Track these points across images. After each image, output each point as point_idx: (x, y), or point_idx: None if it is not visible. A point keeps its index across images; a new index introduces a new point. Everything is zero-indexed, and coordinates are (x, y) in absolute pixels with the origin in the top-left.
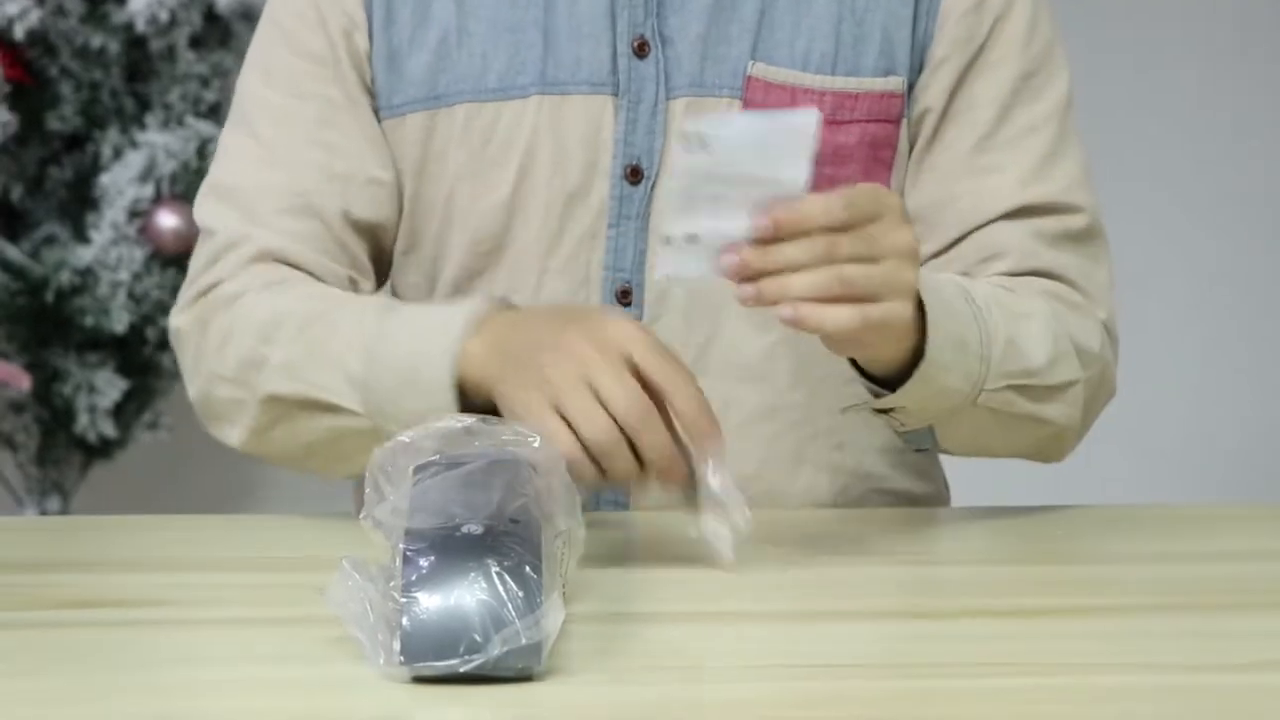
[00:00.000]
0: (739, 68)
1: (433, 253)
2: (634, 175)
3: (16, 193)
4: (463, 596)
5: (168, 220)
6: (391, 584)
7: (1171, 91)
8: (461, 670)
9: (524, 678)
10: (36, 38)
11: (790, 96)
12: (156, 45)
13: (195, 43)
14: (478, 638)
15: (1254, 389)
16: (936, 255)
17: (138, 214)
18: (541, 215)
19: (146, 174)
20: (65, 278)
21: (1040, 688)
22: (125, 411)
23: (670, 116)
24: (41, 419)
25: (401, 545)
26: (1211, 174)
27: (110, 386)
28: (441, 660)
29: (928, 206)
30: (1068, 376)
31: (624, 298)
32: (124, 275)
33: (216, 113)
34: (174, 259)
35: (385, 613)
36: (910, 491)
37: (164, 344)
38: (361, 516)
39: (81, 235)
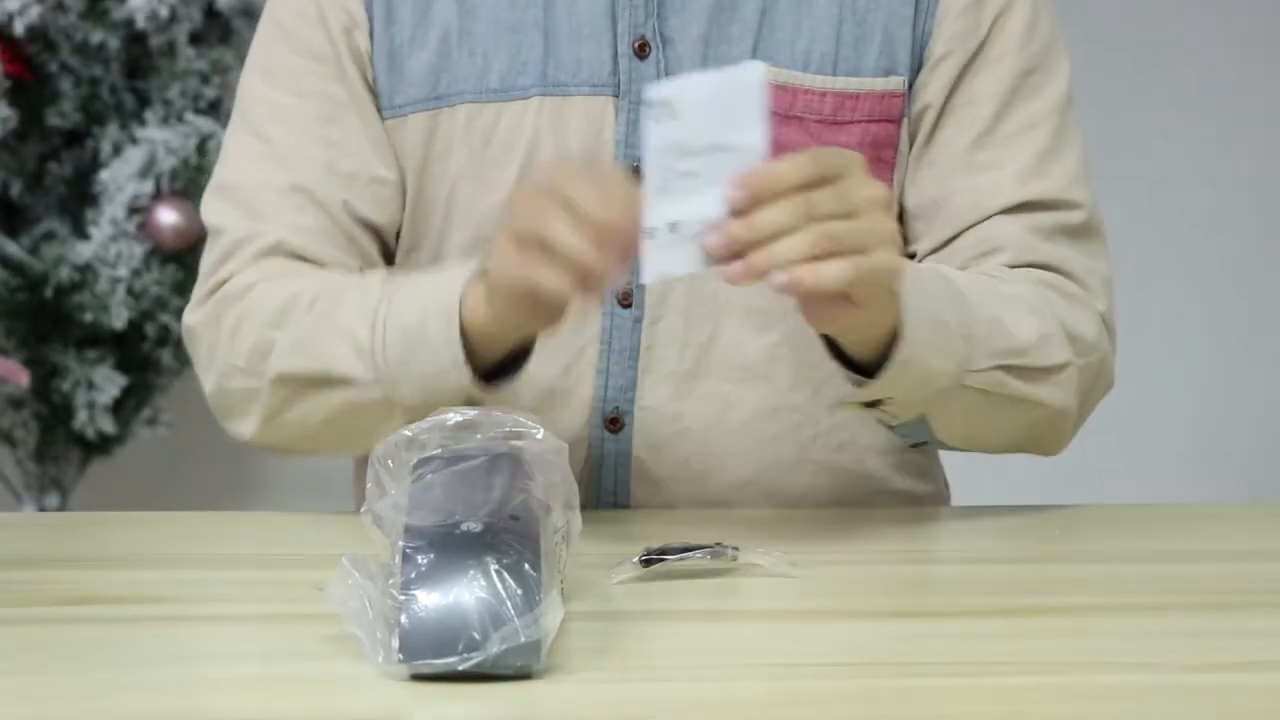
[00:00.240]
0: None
1: (433, 252)
2: (635, 176)
3: (16, 188)
4: (461, 594)
5: (167, 216)
6: (390, 581)
7: (1172, 92)
8: (460, 668)
9: (523, 676)
10: (36, 33)
11: (791, 97)
12: (156, 41)
13: (195, 39)
14: (476, 635)
15: (1258, 387)
16: (934, 251)
17: (137, 210)
18: None
19: (146, 170)
20: (64, 274)
21: (1040, 687)
22: (124, 408)
23: None
24: (40, 415)
25: (401, 542)
26: (1215, 170)
27: (109, 383)
28: (440, 658)
29: (926, 203)
30: (1059, 358)
31: (625, 300)
32: (123, 271)
33: (216, 109)
34: (173, 255)
35: (384, 610)
36: (911, 492)
37: (163, 340)
38: (362, 511)
39: (81, 231)
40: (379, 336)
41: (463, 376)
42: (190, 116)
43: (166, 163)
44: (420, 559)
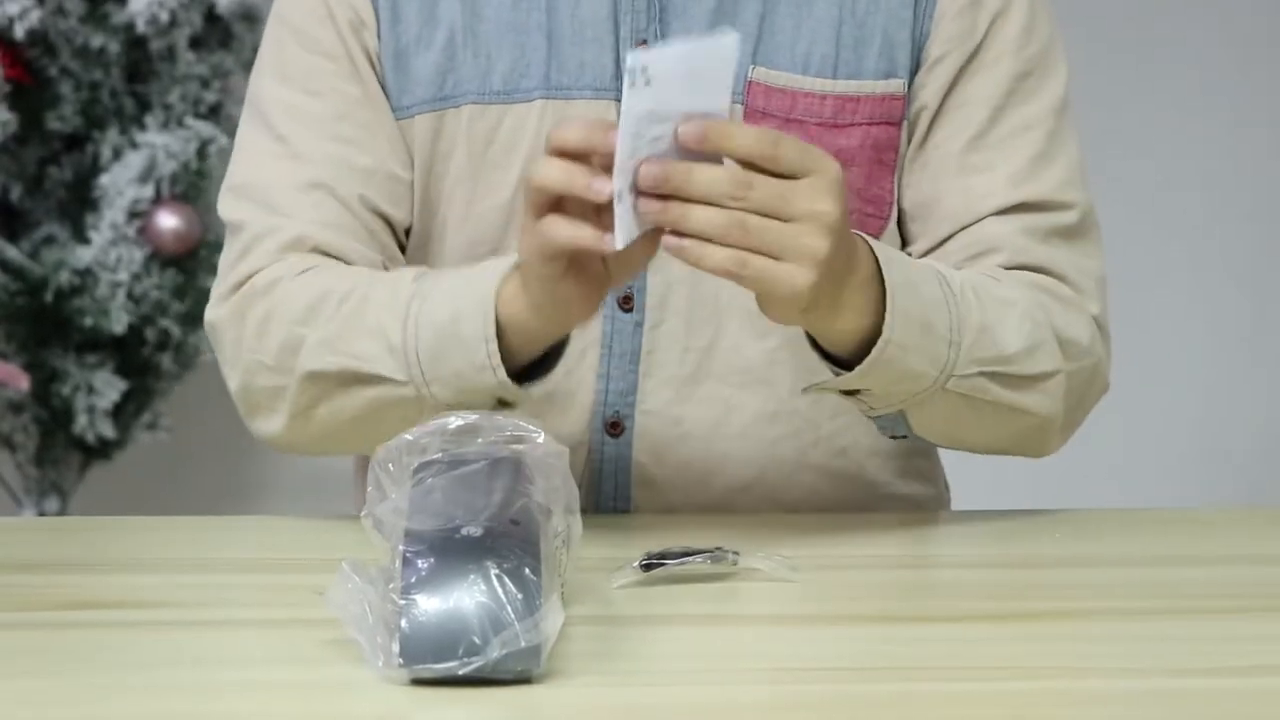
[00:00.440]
0: (740, 72)
1: (435, 253)
2: None
3: (16, 193)
4: (462, 599)
5: (167, 221)
6: (391, 586)
7: (1173, 92)
8: (460, 673)
9: (523, 680)
10: (37, 37)
11: (791, 100)
12: (157, 46)
13: (195, 43)
14: (477, 640)
15: (1260, 387)
16: (929, 251)
17: (137, 214)
18: None
19: (146, 174)
20: (64, 278)
21: (1040, 691)
22: (124, 412)
23: None
24: (40, 419)
25: (401, 547)
26: (1216, 170)
27: (109, 387)
28: (440, 663)
29: (920, 203)
30: (1046, 366)
31: (625, 303)
32: (123, 276)
33: (216, 114)
34: (174, 260)
35: (384, 615)
36: (911, 496)
37: (163, 345)
38: (362, 515)
39: (81, 236)
40: (411, 334)
41: (497, 375)
42: (190, 121)
43: (166, 167)
44: (420, 563)
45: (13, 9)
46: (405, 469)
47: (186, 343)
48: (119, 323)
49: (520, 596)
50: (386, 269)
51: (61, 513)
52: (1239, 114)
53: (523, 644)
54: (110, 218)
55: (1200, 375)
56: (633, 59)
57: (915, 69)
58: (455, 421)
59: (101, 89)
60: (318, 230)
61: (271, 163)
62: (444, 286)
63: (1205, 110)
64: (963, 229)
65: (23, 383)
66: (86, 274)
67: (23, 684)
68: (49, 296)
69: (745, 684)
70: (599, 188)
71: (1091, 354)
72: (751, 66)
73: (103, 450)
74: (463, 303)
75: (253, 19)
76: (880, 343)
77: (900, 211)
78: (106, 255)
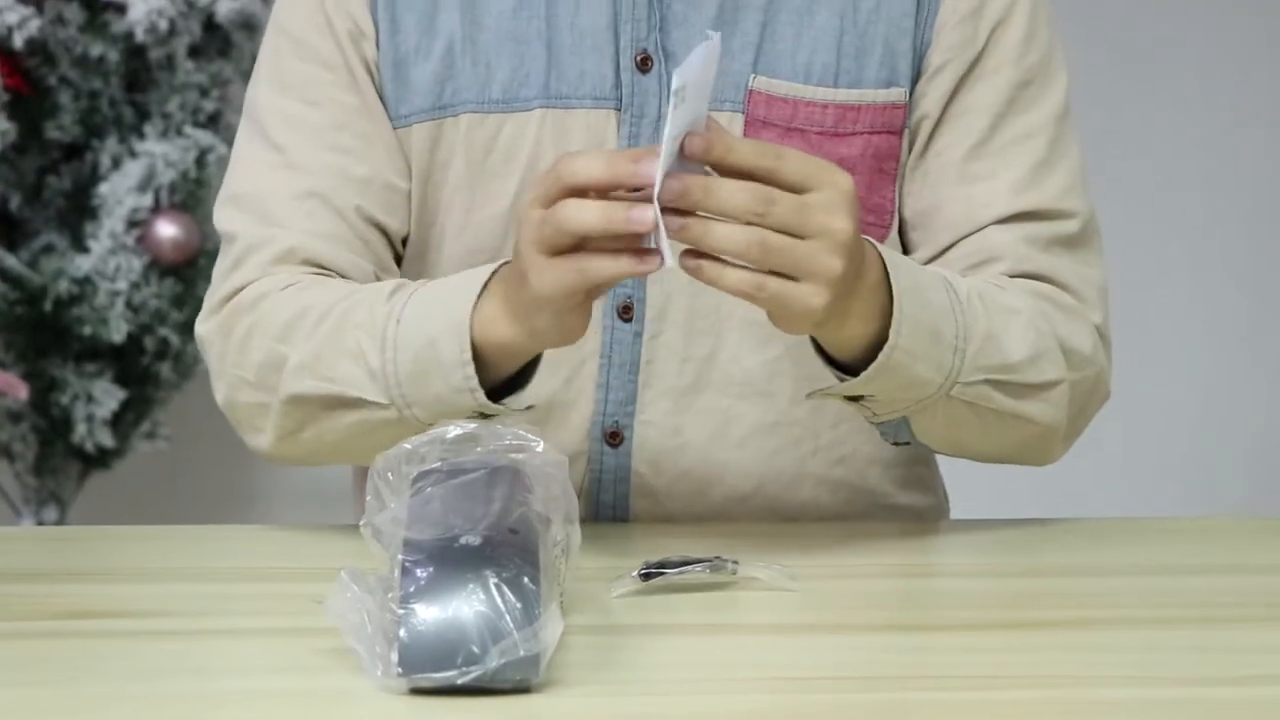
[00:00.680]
0: (741, 81)
1: (432, 262)
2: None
3: (15, 202)
4: (461, 608)
5: (166, 230)
6: (390, 595)
7: (1172, 92)
8: (459, 682)
9: (522, 689)
10: (36, 46)
11: (792, 109)
12: (155, 55)
13: (194, 52)
14: (475, 649)
15: (1260, 389)
16: (929, 261)
17: (136, 223)
18: None
19: (145, 183)
20: (63, 287)
21: (1039, 701)
22: (123, 421)
23: None
24: (39, 428)
25: (400, 556)
26: (1216, 170)
27: (108, 396)
28: (439, 672)
29: (921, 212)
30: (1051, 375)
31: (625, 313)
32: (122, 285)
33: (215, 122)
34: (172, 269)
35: (383, 624)
36: (911, 505)
37: (162, 354)
38: (361, 524)
39: (80, 244)
40: (389, 359)
41: (475, 397)
42: (189, 130)
43: (165, 176)
44: (419, 572)
45: (12, 18)
46: (404, 478)
47: (185, 352)
48: (118, 332)
49: (519, 606)
50: (379, 279)
51: (60, 522)
52: (1239, 114)
53: (521, 653)
54: (109, 227)
55: (1200, 376)
56: (678, 80)
57: (916, 78)
58: (454, 430)
59: (100, 98)
60: (310, 242)
61: (268, 172)
62: (418, 309)
63: (1205, 110)
64: (964, 238)
65: (21, 392)
66: (85, 283)
67: (23, 693)
68: (48, 305)
69: (744, 693)
70: (639, 218)
71: (1094, 363)
72: (752, 75)
73: (101, 459)
74: (438, 326)
75: (252, 28)
76: (887, 348)
77: (901, 220)
78: (105, 264)
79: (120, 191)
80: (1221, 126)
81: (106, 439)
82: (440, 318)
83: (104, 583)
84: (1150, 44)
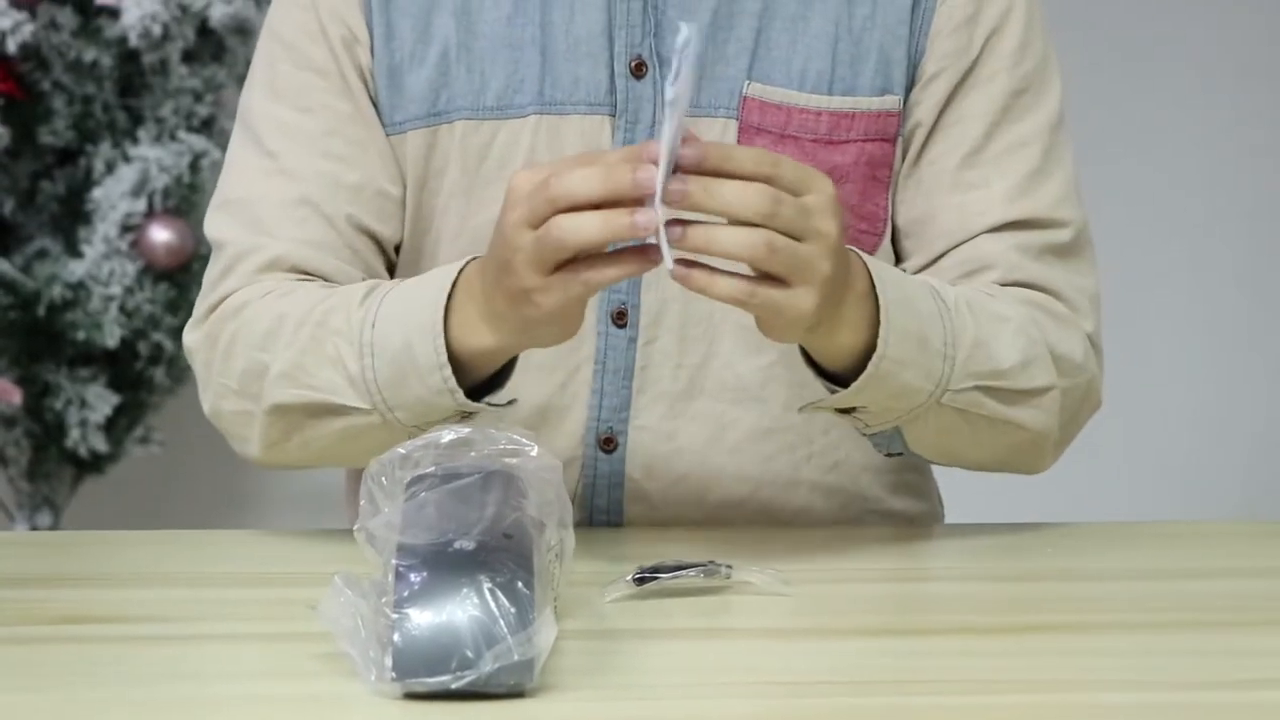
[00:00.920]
0: (735, 88)
1: (427, 268)
2: None
3: (8, 206)
4: (455, 612)
5: (160, 235)
6: (383, 600)
7: (1172, 92)
8: (453, 687)
9: (516, 694)
10: (29, 51)
11: (786, 116)
12: (149, 59)
13: (188, 57)
14: (470, 654)
15: (1260, 391)
16: (922, 268)
17: (130, 228)
18: None
19: (139, 188)
20: (57, 292)
21: (1035, 705)
22: (117, 426)
23: None
24: (33, 433)
25: (394, 561)
26: (1216, 170)
27: (102, 401)
28: (433, 676)
29: (914, 220)
30: (1041, 382)
31: (619, 319)
32: (116, 289)
33: (209, 127)
34: (166, 274)
35: (377, 628)
36: (905, 511)
37: (156, 359)
38: (355, 528)
39: (73, 249)
40: (368, 364)
41: (455, 398)
42: (183, 134)
43: (159, 181)
44: (413, 577)
45: (5, 23)
46: (398, 483)
47: (179, 356)
48: (111, 336)
49: (513, 610)
50: None
51: (54, 527)
52: (1239, 114)
53: (516, 658)
54: (103, 231)
55: (1200, 376)
56: (671, 93)
57: (910, 85)
58: (448, 435)
59: (94, 103)
60: (298, 250)
61: (260, 179)
62: (392, 309)
63: (1205, 110)
64: (957, 246)
65: (14, 397)
66: (79, 288)
67: (17, 699)
68: (41, 310)
69: (738, 697)
70: (643, 221)
71: (1085, 370)
72: (747, 82)
73: (95, 464)
74: (412, 330)
75: (246, 32)
76: (875, 358)
77: (894, 228)
78: (99, 269)
79: (114, 196)
80: (1221, 126)
81: (100, 444)
82: (415, 319)
83: (98, 588)
84: (1150, 43)
